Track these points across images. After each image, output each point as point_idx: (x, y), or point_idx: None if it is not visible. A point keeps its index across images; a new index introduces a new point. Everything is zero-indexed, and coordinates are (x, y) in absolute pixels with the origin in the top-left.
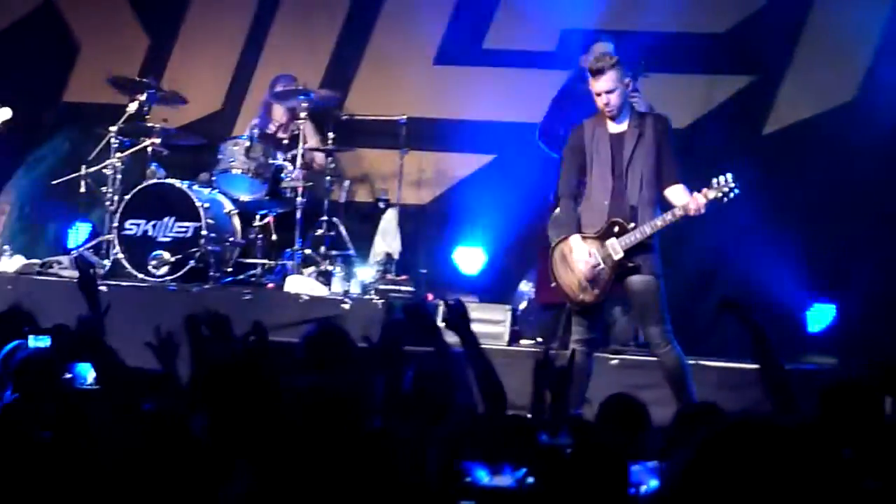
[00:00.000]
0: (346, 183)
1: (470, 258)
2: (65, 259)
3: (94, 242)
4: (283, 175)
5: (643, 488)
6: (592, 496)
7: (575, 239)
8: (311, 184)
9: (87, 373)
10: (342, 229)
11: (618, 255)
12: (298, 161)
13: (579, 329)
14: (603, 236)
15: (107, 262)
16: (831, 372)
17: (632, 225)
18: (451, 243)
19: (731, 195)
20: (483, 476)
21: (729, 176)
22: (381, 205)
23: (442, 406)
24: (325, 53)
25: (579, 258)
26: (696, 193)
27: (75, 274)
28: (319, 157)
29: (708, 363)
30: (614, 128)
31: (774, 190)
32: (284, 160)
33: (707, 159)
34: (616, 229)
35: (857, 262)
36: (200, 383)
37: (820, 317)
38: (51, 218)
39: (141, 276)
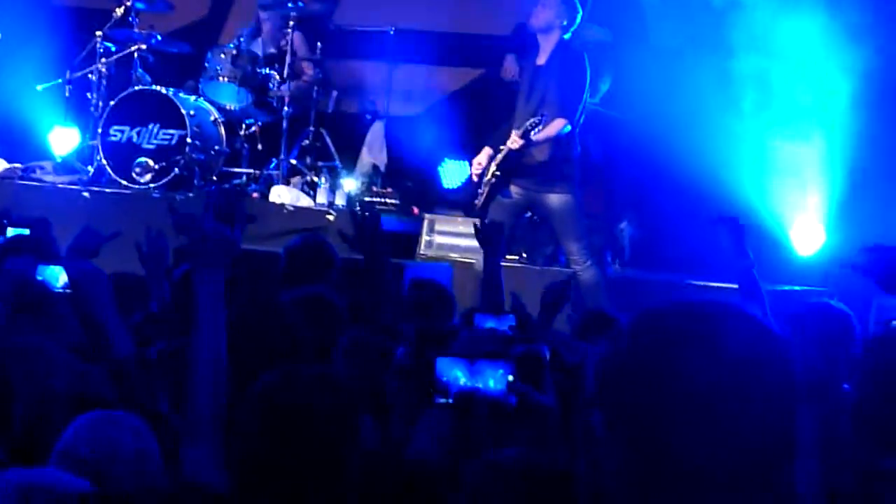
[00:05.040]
0: (334, 94)
1: (455, 172)
2: (48, 163)
3: (78, 148)
4: (270, 84)
5: None
6: (567, 400)
7: None
8: (297, 94)
9: (58, 276)
10: (328, 140)
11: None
12: (286, 71)
13: None
14: None
15: (90, 169)
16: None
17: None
18: (437, 157)
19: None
20: (460, 376)
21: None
22: (369, 116)
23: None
24: None
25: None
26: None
27: (58, 179)
28: (307, 67)
29: None
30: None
31: None
32: (272, 69)
33: None
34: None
35: None
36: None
37: None
38: (35, 122)
39: (125, 182)
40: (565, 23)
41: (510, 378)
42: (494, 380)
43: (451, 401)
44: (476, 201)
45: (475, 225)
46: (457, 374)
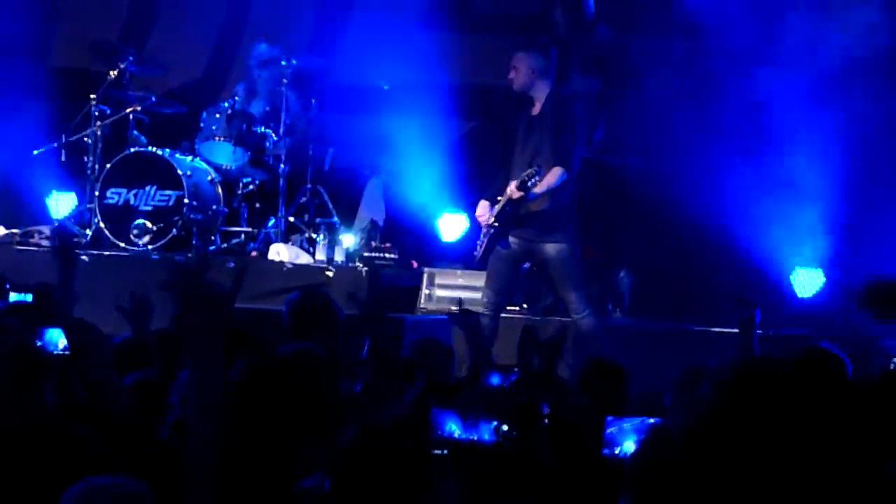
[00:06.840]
0: (331, 150)
1: (453, 225)
2: (46, 228)
3: (75, 212)
4: (266, 143)
5: (618, 450)
6: (566, 454)
7: None
8: (294, 151)
9: (58, 339)
10: (326, 197)
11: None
12: (282, 128)
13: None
14: None
15: (88, 232)
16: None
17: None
18: (435, 211)
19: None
20: (455, 429)
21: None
22: (366, 172)
23: (441, 371)
24: (309, 18)
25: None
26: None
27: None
28: (303, 124)
29: None
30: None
31: None
32: (267, 128)
33: None
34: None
35: None
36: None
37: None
38: (32, 187)
39: (123, 245)
40: (543, 71)
41: (504, 428)
42: (489, 432)
43: (446, 452)
44: (475, 253)
45: None
46: (451, 426)
